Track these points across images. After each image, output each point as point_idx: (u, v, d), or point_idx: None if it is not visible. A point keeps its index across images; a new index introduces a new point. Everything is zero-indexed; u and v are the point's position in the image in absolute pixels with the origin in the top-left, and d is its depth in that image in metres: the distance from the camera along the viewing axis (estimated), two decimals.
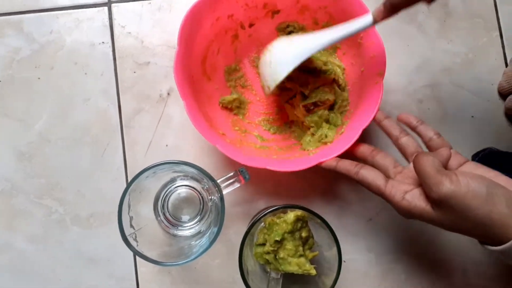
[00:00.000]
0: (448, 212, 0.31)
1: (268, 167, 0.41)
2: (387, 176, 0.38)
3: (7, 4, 0.51)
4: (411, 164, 0.38)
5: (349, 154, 0.42)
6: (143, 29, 0.51)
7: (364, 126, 0.41)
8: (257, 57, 0.51)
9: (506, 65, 0.51)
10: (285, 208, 0.41)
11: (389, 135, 0.41)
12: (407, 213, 0.34)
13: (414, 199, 0.33)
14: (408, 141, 0.39)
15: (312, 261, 0.42)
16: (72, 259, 0.49)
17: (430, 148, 0.38)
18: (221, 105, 0.49)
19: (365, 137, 0.48)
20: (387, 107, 0.50)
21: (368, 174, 0.37)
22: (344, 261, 0.48)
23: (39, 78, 0.51)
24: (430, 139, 0.38)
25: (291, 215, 0.40)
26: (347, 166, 0.39)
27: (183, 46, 0.41)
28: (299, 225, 0.41)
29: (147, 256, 0.40)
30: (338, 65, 0.48)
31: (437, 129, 0.39)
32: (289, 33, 0.49)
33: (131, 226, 0.41)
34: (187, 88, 0.42)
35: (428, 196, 0.32)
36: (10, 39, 0.51)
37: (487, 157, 0.46)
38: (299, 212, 0.41)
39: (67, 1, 0.51)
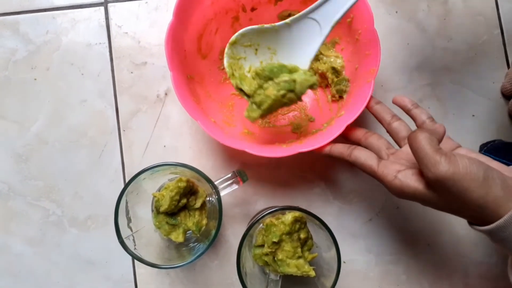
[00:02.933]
0: (443, 193, 0.30)
1: (246, 150, 0.40)
2: (380, 157, 0.37)
3: (3, 4, 0.51)
4: (404, 147, 0.38)
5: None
6: (140, 29, 0.51)
7: (348, 122, 0.40)
8: None
9: (507, 63, 0.50)
10: (283, 210, 0.41)
11: (380, 120, 0.41)
12: (399, 193, 0.33)
13: (407, 178, 0.33)
14: (400, 126, 0.39)
15: (311, 263, 0.41)
16: (70, 261, 0.49)
17: None
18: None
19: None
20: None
21: (361, 155, 0.37)
22: (344, 262, 0.48)
23: (35, 79, 0.50)
24: (423, 122, 0.38)
25: (289, 216, 0.40)
26: (340, 149, 0.39)
27: (177, 19, 0.41)
28: (297, 226, 0.41)
29: (145, 259, 0.39)
30: (335, 56, 0.48)
31: None
32: None
33: (129, 228, 0.41)
34: (176, 60, 0.42)
35: (424, 175, 0.31)
36: (6, 40, 0.51)
37: (495, 148, 0.46)
38: (297, 213, 0.40)
39: (63, 1, 0.51)
